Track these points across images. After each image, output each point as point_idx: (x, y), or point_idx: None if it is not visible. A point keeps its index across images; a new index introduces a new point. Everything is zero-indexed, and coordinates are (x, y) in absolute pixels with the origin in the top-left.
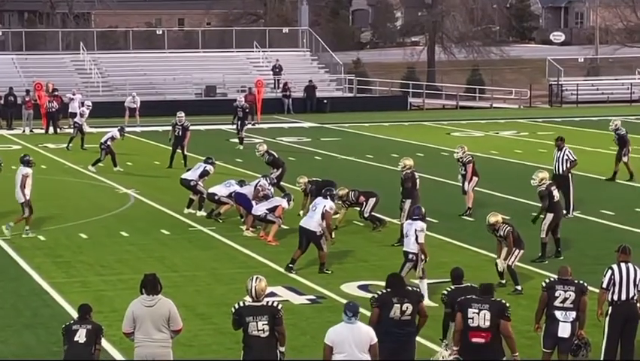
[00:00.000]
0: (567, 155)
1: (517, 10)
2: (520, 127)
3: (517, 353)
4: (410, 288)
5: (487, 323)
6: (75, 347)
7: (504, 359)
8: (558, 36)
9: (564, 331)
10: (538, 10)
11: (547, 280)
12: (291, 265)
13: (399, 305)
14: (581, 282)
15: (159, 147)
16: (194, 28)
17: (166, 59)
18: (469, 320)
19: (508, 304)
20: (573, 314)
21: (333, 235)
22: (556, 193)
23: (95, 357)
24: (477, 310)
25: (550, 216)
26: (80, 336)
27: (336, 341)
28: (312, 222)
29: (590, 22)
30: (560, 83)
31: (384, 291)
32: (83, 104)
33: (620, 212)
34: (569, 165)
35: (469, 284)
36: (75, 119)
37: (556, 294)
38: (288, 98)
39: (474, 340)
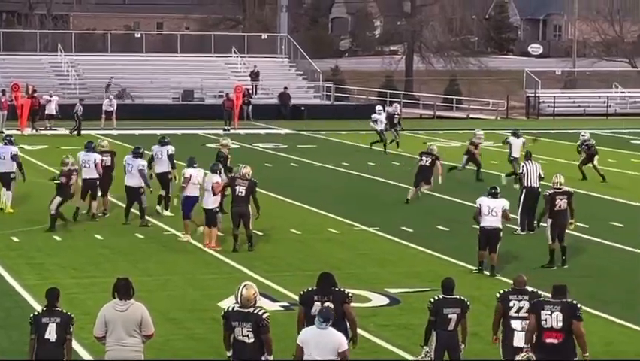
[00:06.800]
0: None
1: (496, 22)
2: (497, 138)
3: (587, 354)
4: (338, 288)
5: (560, 324)
6: (45, 345)
7: (575, 359)
8: (536, 48)
9: (520, 341)
10: (516, 21)
11: (500, 291)
12: None
13: (319, 303)
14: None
15: None
16: (173, 32)
17: (144, 63)
18: (543, 321)
19: (579, 305)
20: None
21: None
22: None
23: (66, 353)
24: (549, 312)
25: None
26: (51, 333)
27: (304, 342)
28: None
29: (568, 35)
30: (537, 95)
31: (309, 289)
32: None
33: (593, 225)
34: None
35: (457, 296)
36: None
37: (510, 304)
38: (248, 105)
39: (548, 341)
